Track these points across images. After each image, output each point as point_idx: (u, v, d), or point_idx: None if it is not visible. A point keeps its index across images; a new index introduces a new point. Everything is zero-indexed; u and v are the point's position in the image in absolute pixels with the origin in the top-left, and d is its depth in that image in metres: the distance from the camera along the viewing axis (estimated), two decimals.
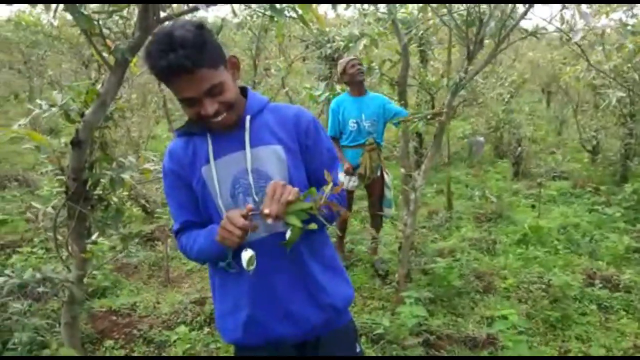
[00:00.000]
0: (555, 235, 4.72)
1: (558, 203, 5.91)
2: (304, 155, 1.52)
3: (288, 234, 1.36)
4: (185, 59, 1.25)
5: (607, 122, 7.14)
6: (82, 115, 1.96)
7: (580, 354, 2.96)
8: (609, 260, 4.18)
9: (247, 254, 1.39)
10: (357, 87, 3.91)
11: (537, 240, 4.61)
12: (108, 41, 1.85)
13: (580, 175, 6.76)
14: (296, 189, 1.34)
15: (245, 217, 1.32)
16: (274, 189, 1.31)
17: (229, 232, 1.32)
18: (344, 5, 4.52)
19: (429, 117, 3.29)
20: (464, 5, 2.82)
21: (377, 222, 4.24)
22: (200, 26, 1.31)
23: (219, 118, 1.38)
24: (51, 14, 1.72)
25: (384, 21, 3.75)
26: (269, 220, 1.29)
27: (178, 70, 1.27)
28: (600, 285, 3.72)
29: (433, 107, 6.53)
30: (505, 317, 2.88)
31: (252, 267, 1.40)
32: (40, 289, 2.35)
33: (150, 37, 1.32)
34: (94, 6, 1.83)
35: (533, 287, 3.63)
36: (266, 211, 1.28)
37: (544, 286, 3.62)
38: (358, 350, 1.66)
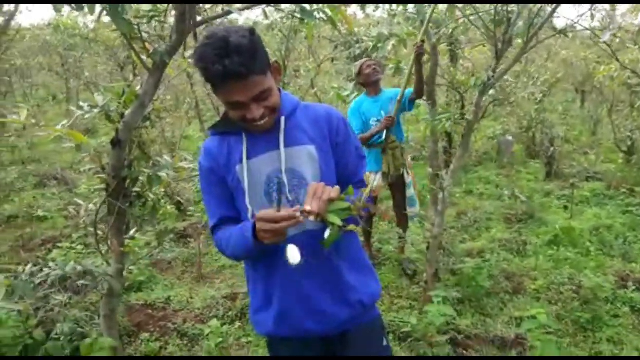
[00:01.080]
0: (587, 237, 4.63)
1: (591, 204, 5.79)
2: (334, 153, 1.56)
3: (327, 234, 1.39)
4: (240, 66, 1.29)
5: None
6: (121, 116, 2.06)
7: (611, 356, 2.93)
8: None
9: (293, 250, 1.43)
10: (373, 87, 3.97)
11: (569, 241, 4.53)
12: (147, 44, 1.93)
13: (614, 176, 6.60)
14: (337, 187, 1.38)
15: (279, 212, 1.33)
16: (315, 188, 1.36)
17: (271, 232, 1.32)
18: (373, 6, 4.55)
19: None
20: (492, 4, 2.82)
21: (403, 221, 4.25)
22: (253, 32, 1.34)
23: (262, 122, 1.42)
24: (95, 17, 1.80)
25: (413, 21, 3.77)
26: (311, 218, 1.33)
27: (233, 76, 1.30)
28: (634, 288, 3.64)
29: (463, 106, 6.48)
30: (534, 317, 2.87)
31: (296, 262, 1.43)
32: (81, 282, 2.46)
33: (202, 39, 1.33)
34: (134, 10, 1.92)
35: (564, 289, 3.59)
36: (308, 208, 1.32)
37: (574, 288, 3.58)
38: (385, 344, 1.70)
